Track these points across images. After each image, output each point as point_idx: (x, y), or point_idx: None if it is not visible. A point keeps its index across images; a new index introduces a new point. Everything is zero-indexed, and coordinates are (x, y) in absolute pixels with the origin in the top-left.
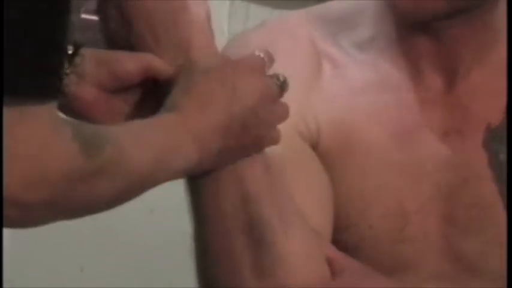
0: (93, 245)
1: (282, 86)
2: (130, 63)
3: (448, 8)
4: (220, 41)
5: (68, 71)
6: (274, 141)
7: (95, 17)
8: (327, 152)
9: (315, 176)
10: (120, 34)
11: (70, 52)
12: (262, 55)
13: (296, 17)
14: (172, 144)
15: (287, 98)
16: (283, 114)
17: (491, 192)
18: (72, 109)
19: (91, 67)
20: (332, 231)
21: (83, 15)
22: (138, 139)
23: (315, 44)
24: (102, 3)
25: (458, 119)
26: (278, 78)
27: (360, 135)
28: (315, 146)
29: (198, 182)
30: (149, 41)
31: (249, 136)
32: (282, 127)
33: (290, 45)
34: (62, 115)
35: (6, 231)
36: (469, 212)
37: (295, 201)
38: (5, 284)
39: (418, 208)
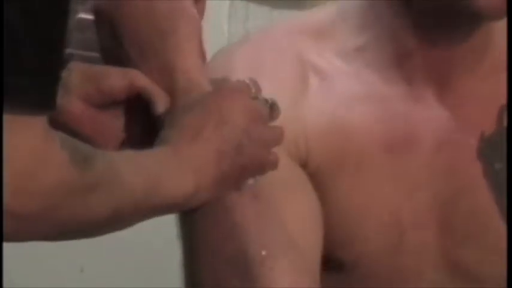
0: (93, 245)
1: (272, 108)
2: (116, 79)
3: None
4: (220, 41)
5: None
6: (273, 165)
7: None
8: (317, 169)
9: (304, 197)
10: (112, 51)
11: None
12: (247, 81)
13: (279, 29)
14: (166, 173)
15: None
16: (277, 137)
17: (487, 202)
18: (59, 123)
19: (77, 81)
20: (327, 249)
21: (83, 15)
22: (131, 162)
23: (300, 56)
24: (97, 18)
25: (451, 129)
26: (266, 101)
27: (350, 149)
28: (304, 164)
29: (188, 211)
30: (136, 58)
31: (246, 158)
32: None
33: (275, 60)
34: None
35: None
36: (465, 221)
37: (285, 229)
38: (5, 284)
39: (414, 219)
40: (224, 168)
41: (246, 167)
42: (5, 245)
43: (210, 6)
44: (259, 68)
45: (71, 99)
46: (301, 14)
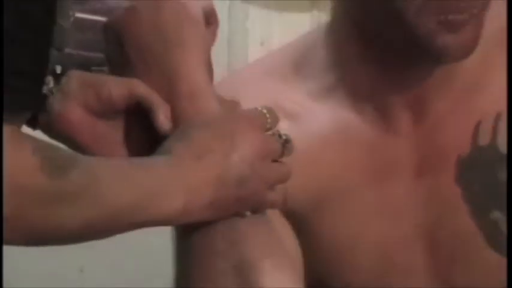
0: (93, 245)
1: (284, 145)
2: (116, 87)
3: (477, 44)
4: (220, 41)
5: (54, 90)
6: (275, 204)
7: (95, 17)
8: (297, 211)
9: (285, 243)
10: (119, 65)
11: (58, 72)
12: (265, 111)
13: (246, 74)
14: (159, 189)
15: None
16: (285, 175)
17: (468, 227)
18: (56, 129)
19: (76, 88)
20: (316, 279)
21: (83, 16)
22: (121, 174)
23: (270, 101)
24: (105, 33)
25: (428, 155)
26: (280, 136)
27: (330, 187)
28: (282, 209)
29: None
30: (142, 70)
31: (245, 191)
32: None
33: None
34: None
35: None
36: (451, 246)
37: (284, 245)
38: (5, 284)
39: (402, 247)
40: (220, 196)
41: (243, 200)
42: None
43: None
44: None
45: (70, 105)
46: (297, 17)
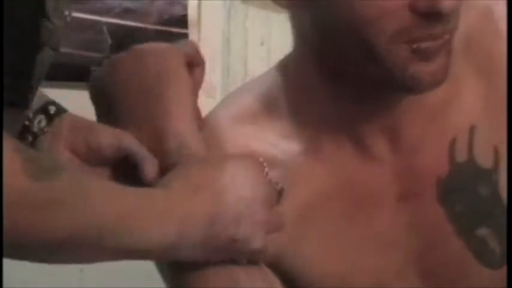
0: None
1: (280, 194)
2: (106, 138)
3: (447, 74)
4: (220, 41)
5: (45, 129)
6: (261, 252)
7: (95, 17)
8: (280, 255)
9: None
10: (107, 121)
11: (52, 112)
12: (261, 159)
13: (217, 119)
14: (151, 214)
15: None
16: (278, 223)
17: (458, 247)
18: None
19: (67, 131)
20: None
21: (83, 16)
22: (112, 190)
23: (242, 144)
24: (91, 89)
25: (408, 180)
26: (276, 184)
27: (312, 223)
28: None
29: (185, 273)
30: (127, 124)
31: (239, 232)
32: None
33: (223, 151)
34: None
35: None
36: (444, 270)
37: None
38: (5, 284)
39: (395, 276)
40: (214, 234)
41: (236, 242)
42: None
43: (210, 6)
44: None
45: (58, 147)
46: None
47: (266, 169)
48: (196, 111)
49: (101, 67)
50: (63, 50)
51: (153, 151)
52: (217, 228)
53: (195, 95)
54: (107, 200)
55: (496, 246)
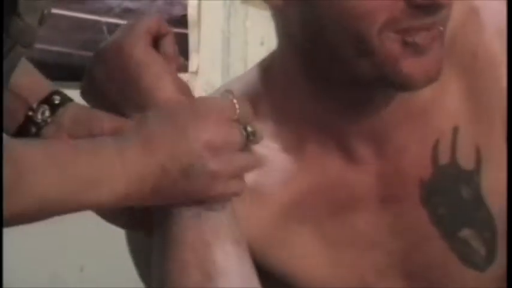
0: (93, 245)
1: (250, 137)
2: (106, 124)
3: (441, 70)
4: (220, 41)
5: (49, 120)
6: (236, 193)
7: (94, 17)
8: (264, 256)
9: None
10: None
11: (56, 102)
12: (235, 101)
13: None
14: (99, 176)
15: None
16: (250, 164)
17: (441, 249)
18: None
19: (69, 121)
20: None
21: (83, 16)
22: (56, 163)
23: None
24: (86, 79)
25: (391, 182)
26: (245, 128)
27: (297, 228)
28: (258, 258)
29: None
30: (119, 103)
31: (190, 183)
32: None
33: None
34: None
35: (6, 231)
36: (427, 272)
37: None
38: (5, 284)
39: (379, 278)
40: (164, 184)
41: (191, 192)
42: (5, 244)
43: (210, 6)
44: None
45: (61, 137)
46: None
47: (239, 111)
48: (181, 84)
49: (90, 61)
50: (63, 50)
51: None
52: (168, 179)
53: (171, 68)
54: (49, 177)
55: (480, 248)
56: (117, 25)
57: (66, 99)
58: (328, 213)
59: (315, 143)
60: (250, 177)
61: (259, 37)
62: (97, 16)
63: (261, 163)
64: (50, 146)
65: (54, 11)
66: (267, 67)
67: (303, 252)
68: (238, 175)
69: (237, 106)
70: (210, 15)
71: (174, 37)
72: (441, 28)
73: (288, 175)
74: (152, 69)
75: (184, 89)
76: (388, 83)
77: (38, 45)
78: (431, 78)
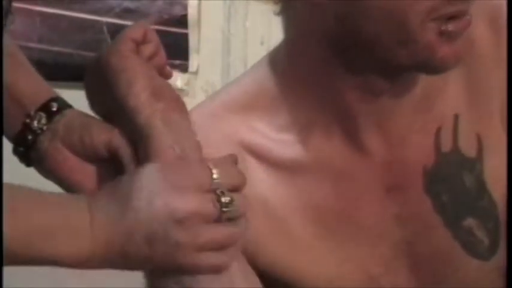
0: None
1: (226, 209)
2: (98, 134)
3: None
4: (220, 41)
5: (45, 127)
6: (216, 267)
7: (94, 17)
8: (271, 255)
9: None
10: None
11: (53, 109)
12: (211, 167)
13: (209, 109)
14: (63, 232)
15: None
16: (230, 237)
17: (445, 238)
18: (45, 167)
19: (63, 129)
20: None
21: (83, 16)
22: (30, 204)
23: (233, 135)
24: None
25: (395, 173)
26: (222, 196)
27: (301, 223)
28: (254, 258)
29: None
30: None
31: (155, 252)
32: None
33: (212, 153)
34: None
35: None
36: (432, 262)
37: None
38: (5, 284)
39: (384, 270)
40: (129, 251)
41: (154, 261)
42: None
43: (210, 6)
44: None
45: (56, 145)
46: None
47: (215, 176)
48: (158, 89)
49: (91, 64)
50: (63, 50)
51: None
52: (132, 249)
53: (148, 73)
54: (22, 214)
55: (484, 237)
56: (117, 25)
57: (64, 106)
58: (334, 206)
59: (321, 133)
60: (252, 174)
61: (259, 37)
62: (97, 16)
63: (243, 235)
64: (19, 191)
65: (54, 11)
66: (276, 61)
67: (308, 249)
68: (215, 248)
69: (214, 175)
70: (210, 15)
71: (158, 44)
72: (468, 17)
73: (294, 167)
74: (125, 75)
75: (162, 93)
76: (422, 68)
77: (38, 45)
78: (460, 59)
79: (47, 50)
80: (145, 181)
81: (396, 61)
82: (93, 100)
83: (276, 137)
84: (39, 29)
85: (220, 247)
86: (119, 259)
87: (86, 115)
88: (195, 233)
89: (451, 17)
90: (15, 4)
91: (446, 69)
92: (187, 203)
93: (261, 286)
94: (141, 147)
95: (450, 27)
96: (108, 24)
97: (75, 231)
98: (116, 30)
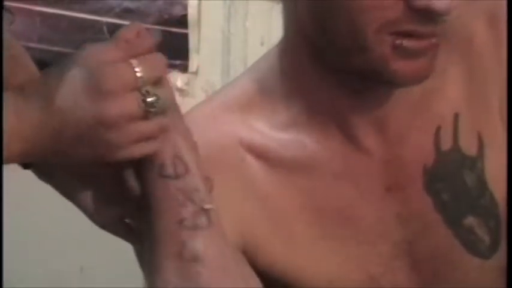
0: (93, 244)
1: (152, 109)
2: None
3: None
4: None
5: None
6: (149, 153)
7: (94, 17)
8: (270, 255)
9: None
10: None
11: None
12: (135, 64)
13: (209, 109)
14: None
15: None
16: (154, 132)
17: (446, 236)
18: (43, 170)
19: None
20: None
21: (83, 16)
22: None
23: (232, 134)
24: None
25: (395, 171)
26: (148, 96)
27: (301, 223)
28: (253, 258)
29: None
30: None
31: (90, 150)
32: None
33: (205, 157)
34: None
35: (6, 231)
36: (432, 261)
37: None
38: (5, 284)
39: (384, 270)
40: (63, 147)
41: (92, 156)
42: (6, 245)
43: (210, 6)
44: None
45: None
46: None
47: (138, 74)
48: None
49: None
50: (63, 50)
51: None
52: (64, 146)
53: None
54: None
55: (485, 236)
56: (117, 25)
57: None
58: (334, 206)
59: (320, 132)
60: (253, 173)
61: (259, 37)
62: (97, 16)
63: (166, 129)
64: None
65: (54, 11)
66: (274, 60)
67: (308, 249)
68: (145, 139)
69: (138, 73)
70: (210, 15)
71: (152, 43)
72: (434, 40)
73: (294, 169)
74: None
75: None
76: (379, 78)
77: (38, 45)
78: (420, 79)
79: (47, 50)
80: (69, 82)
81: (355, 66)
82: None
83: (276, 136)
84: (39, 29)
85: (151, 137)
86: (52, 157)
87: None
88: (124, 133)
89: (411, 34)
90: (15, 4)
91: (403, 84)
92: (113, 107)
93: (261, 286)
94: None
95: (405, 43)
96: (108, 24)
97: (6, 135)
98: (115, 30)
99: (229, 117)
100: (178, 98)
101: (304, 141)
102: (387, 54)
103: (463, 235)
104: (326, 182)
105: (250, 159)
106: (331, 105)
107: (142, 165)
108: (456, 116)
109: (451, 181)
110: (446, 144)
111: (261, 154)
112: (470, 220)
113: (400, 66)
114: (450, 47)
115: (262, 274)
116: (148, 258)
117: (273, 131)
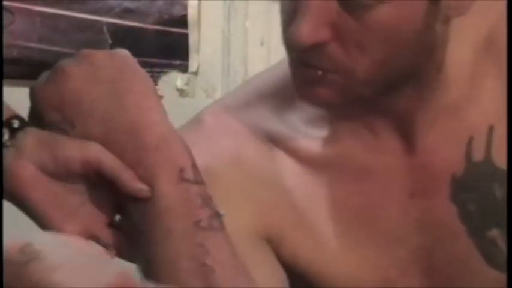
0: None
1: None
2: (72, 150)
3: (341, 99)
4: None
5: (8, 143)
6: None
7: (94, 17)
8: (295, 248)
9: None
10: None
11: (15, 126)
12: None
13: (230, 103)
14: None
15: (249, 210)
16: None
17: (466, 246)
18: (8, 187)
19: (33, 145)
20: None
21: (83, 16)
22: None
23: (258, 128)
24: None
25: (421, 178)
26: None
27: (327, 220)
28: (278, 249)
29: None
30: (92, 129)
31: None
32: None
33: (233, 145)
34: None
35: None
36: (449, 268)
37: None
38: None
39: (401, 273)
40: None
41: None
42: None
43: (210, 6)
44: (216, 158)
45: (23, 163)
46: None
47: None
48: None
49: (45, 77)
50: (63, 50)
51: (122, 154)
52: None
53: (156, 90)
54: None
55: (506, 249)
56: (117, 25)
57: (25, 124)
58: (355, 206)
59: (350, 132)
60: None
61: (259, 37)
62: (97, 16)
63: None
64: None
65: (54, 11)
66: None
67: (328, 245)
68: None
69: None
70: (210, 15)
71: None
72: (319, 73)
73: (320, 164)
74: (144, 82)
75: None
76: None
77: (38, 45)
78: (323, 103)
79: (47, 50)
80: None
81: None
82: (71, 95)
83: (305, 130)
84: (39, 29)
85: None
86: None
87: (51, 133)
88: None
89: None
90: (15, 4)
91: (310, 104)
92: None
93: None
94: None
95: (308, 71)
96: (108, 24)
97: None
98: (115, 30)
99: (262, 106)
100: (178, 98)
101: (332, 138)
102: (292, 70)
103: (484, 246)
104: (350, 180)
105: (278, 150)
106: (359, 105)
107: (155, 170)
108: (491, 128)
109: (479, 192)
110: (478, 155)
111: (288, 147)
112: (494, 232)
113: (301, 86)
114: (489, 59)
115: (288, 267)
116: (154, 262)
117: (303, 125)
